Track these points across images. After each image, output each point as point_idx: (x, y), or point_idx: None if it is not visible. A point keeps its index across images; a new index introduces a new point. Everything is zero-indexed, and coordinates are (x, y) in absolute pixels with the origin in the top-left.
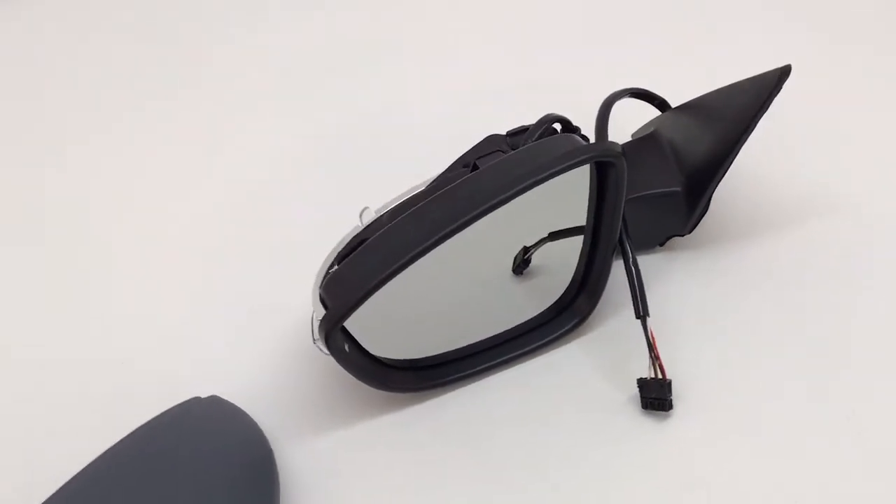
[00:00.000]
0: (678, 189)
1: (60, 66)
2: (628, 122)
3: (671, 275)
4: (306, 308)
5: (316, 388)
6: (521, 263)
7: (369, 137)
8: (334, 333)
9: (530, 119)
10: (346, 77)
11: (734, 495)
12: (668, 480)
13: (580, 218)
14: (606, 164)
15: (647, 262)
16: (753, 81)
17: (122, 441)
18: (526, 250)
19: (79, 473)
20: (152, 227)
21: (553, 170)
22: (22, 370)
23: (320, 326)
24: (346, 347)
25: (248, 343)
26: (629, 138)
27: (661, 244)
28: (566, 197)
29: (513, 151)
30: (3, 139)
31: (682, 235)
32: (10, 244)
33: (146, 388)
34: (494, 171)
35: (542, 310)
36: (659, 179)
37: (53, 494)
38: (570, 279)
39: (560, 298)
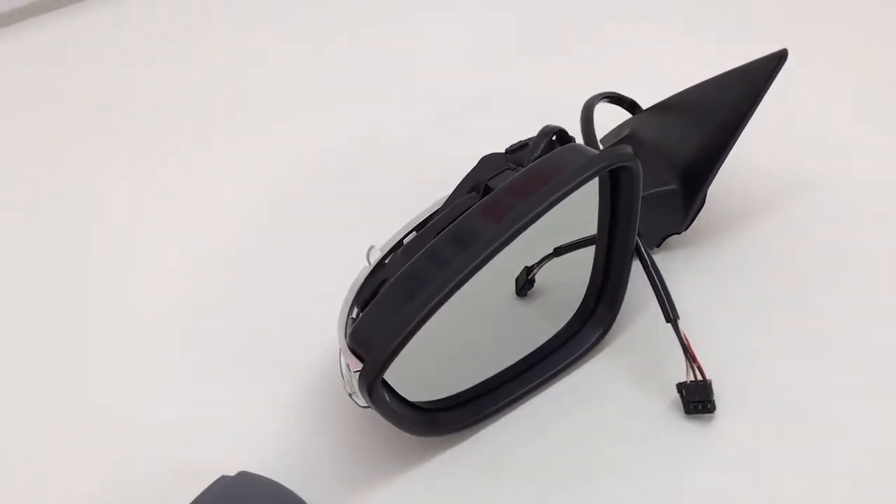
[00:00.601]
0: (674, 187)
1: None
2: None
3: (674, 275)
4: (320, 362)
5: (348, 444)
6: (526, 284)
7: (345, 173)
8: (377, 385)
9: (494, 136)
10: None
11: (799, 479)
12: (733, 481)
13: (583, 230)
14: (620, 169)
15: None
16: (744, 71)
17: None
18: (529, 270)
19: None
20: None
21: (579, 180)
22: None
23: (361, 378)
24: (388, 397)
25: (264, 406)
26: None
27: (658, 245)
28: (564, 211)
29: (527, 167)
30: None
31: (679, 233)
32: None
33: (166, 477)
34: (519, 187)
35: (559, 327)
36: (654, 179)
37: None
38: (583, 292)
39: (578, 312)
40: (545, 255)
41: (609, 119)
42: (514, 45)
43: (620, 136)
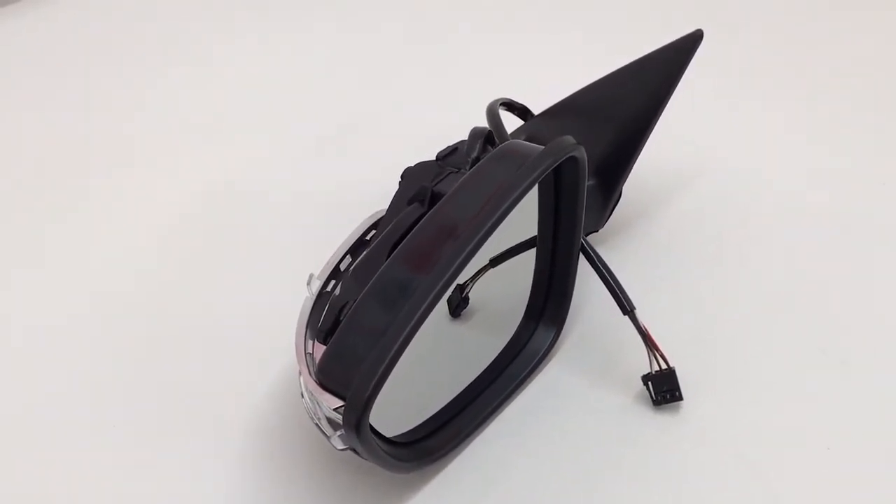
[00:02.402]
0: (591, 183)
1: None
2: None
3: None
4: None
5: (321, 494)
6: (460, 303)
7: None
8: (364, 420)
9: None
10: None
11: (777, 448)
12: (712, 467)
13: (516, 236)
14: (566, 161)
15: None
16: (656, 57)
17: None
18: (462, 288)
19: None
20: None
21: (535, 175)
22: None
23: (346, 417)
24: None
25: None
26: None
27: None
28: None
29: (476, 166)
30: None
31: (597, 231)
32: None
33: None
34: (471, 192)
35: (506, 339)
36: None
37: None
38: (524, 300)
39: (525, 318)
40: (478, 268)
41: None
42: (379, 68)
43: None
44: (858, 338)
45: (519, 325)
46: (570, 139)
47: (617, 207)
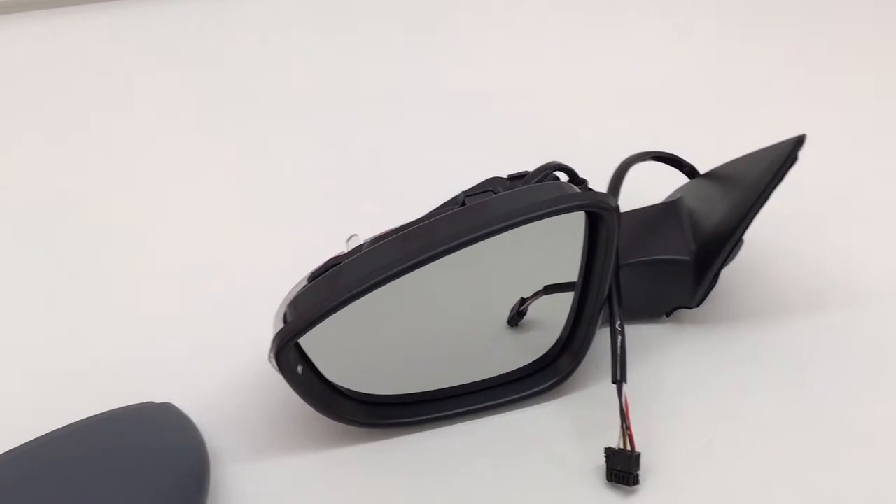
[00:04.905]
0: (687, 258)
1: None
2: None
3: (671, 348)
4: None
5: (274, 412)
6: (517, 315)
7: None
8: (286, 350)
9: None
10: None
11: None
12: None
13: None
14: (597, 216)
15: (650, 331)
16: (769, 151)
17: (55, 431)
18: (522, 301)
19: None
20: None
21: (532, 214)
22: None
23: (273, 341)
24: (300, 369)
25: (221, 358)
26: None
27: (668, 314)
28: (566, 249)
29: (501, 193)
30: None
31: (690, 308)
32: None
33: (110, 389)
34: (475, 209)
35: (524, 364)
36: (669, 246)
37: None
38: (556, 337)
39: (544, 355)
40: (538, 290)
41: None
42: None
43: (671, 200)
44: None
45: (535, 359)
46: (608, 198)
47: (732, 298)
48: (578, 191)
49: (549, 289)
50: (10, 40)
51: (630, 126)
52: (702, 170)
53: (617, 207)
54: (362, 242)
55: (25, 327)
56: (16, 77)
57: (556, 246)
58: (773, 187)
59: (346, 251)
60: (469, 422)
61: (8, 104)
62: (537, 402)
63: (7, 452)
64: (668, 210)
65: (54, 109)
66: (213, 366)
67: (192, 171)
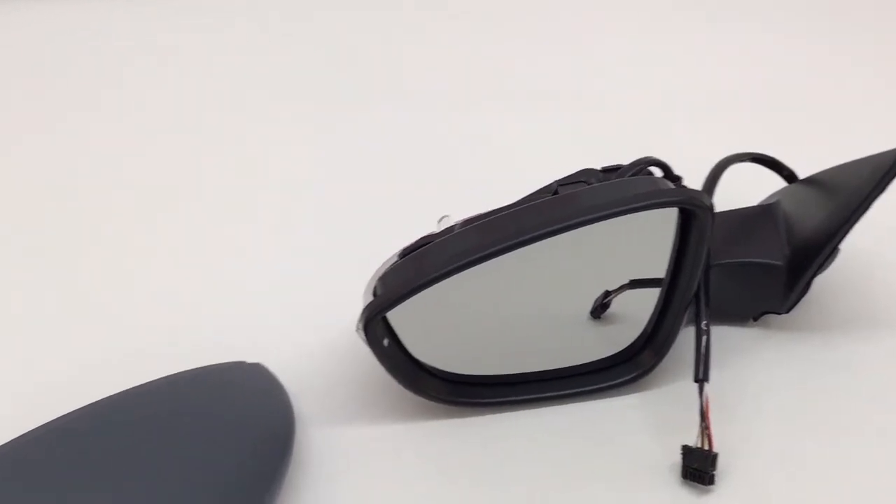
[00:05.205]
0: (779, 263)
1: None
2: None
3: (758, 352)
4: None
5: (359, 383)
6: (600, 307)
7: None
8: (374, 323)
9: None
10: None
11: None
12: None
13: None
14: (691, 214)
15: (735, 334)
16: (872, 160)
17: (149, 382)
18: (607, 294)
19: (86, 406)
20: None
21: (625, 207)
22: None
23: (362, 314)
24: (386, 342)
25: (313, 326)
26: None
27: (756, 318)
28: (655, 245)
29: (594, 184)
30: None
31: (779, 314)
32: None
33: (205, 347)
34: (566, 199)
35: (605, 356)
36: (762, 250)
37: (51, 421)
38: (640, 331)
39: (627, 348)
40: (623, 283)
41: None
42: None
43: (767, 203)
44: None
45: (617, 352)
46: (702, 195)
47: (825, 307)
48: (673, 187)
49: (636, 283)
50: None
51: (726, 128)
52: (800, 176)
53: (712, 206)
54: (453, 224)
55: (132, 284)
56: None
57: (645, 241)
58: (875, 197)
59: (436, 231)
60: (547, 407)
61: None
62: (616, 395)
63: (103, 399)
64: (765, 213)
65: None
66: (305, 333)
67: (307, 139)
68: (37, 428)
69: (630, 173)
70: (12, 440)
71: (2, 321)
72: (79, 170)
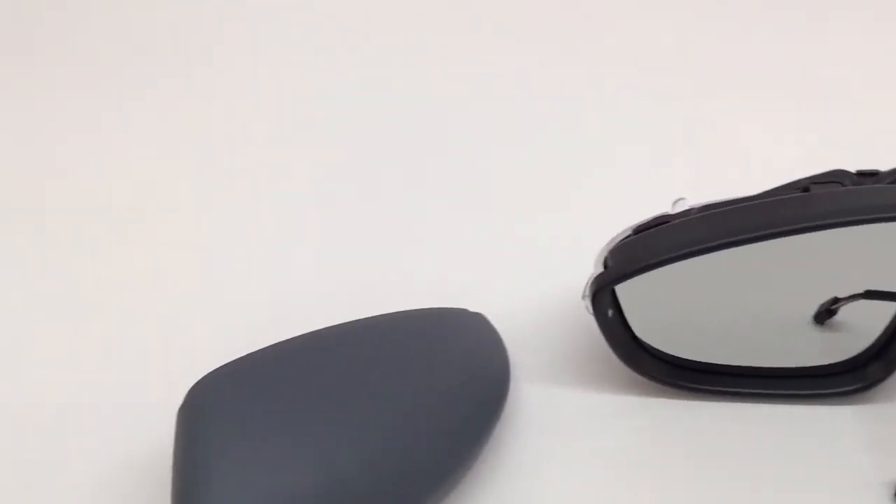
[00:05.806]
0: None
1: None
2: None
3: None
4: None
5: (577, 348)
6: (825, 313)
7: None
8: (602, 294)
9: None
10: None
11: None
12: None
13: None
14: None
15: None
16: None
17: (380, 315)
18: (835, 301)
19: (325, 328)
20: None
21: (884, 214)
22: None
23: (592, 283)
24: (610, 313)
25: (539, 284)
26: None
27: None
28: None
29: (853, 186)
30: None
31: None
32: None
33: (432, 291)
34: (823, 197)
35: (825, 363)
36: None
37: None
38: (870, 343)
39: (853, 358)
40: (856, 293)
41: None
42: None
43: None
44: None
45: (841, 360)
46: None
47: None
48: None
49: (872, 294)
50: None
51: None
52: None
53: None
54: (690, 207)
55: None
56: None
57: (888, 252)
58: None
59: (671, 212)
60: (763, 405)
61: None
62: (835, 403)
63: (337, 325)
64: None
65: None
66: (531, 290)
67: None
68: (285, 341)
69: (888, 180)
70: (270, 346)
71: (253, 239)
72: None
